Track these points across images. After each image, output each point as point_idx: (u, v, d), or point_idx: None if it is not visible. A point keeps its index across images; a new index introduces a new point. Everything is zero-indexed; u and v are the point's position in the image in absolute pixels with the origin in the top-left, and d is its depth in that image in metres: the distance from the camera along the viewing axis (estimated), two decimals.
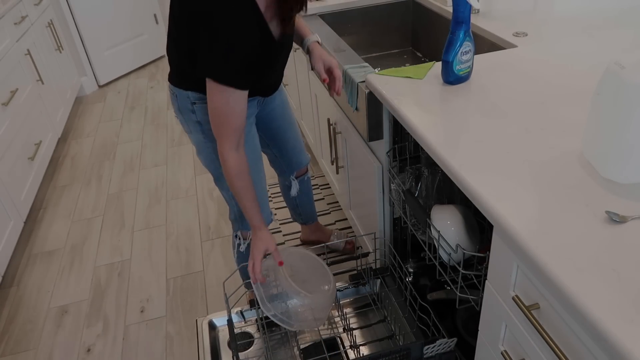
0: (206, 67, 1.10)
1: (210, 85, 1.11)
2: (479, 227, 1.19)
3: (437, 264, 1.14)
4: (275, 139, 1.59)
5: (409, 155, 1.34)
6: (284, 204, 2.36)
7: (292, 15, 1.13)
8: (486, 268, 0.94)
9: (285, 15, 1.12)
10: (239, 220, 1.51)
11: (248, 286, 1.49)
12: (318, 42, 1.37)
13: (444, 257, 1.09)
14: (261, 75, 1.23)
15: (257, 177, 1.41)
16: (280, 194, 2.43)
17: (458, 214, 1.12)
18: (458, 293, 1.07)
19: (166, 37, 1.29)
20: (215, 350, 1.37)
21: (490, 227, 1.30)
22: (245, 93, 1.14)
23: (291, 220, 2.26)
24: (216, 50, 1.06)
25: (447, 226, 1.10)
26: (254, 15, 1.08)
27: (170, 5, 1.16)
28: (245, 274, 1.61)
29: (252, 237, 1.30)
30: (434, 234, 1.10)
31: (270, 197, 2.42)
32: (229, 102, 1.12)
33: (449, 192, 1.32)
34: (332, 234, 2.06)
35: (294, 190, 1.77)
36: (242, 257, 1.57)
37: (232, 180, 1.23)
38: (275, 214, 2.31)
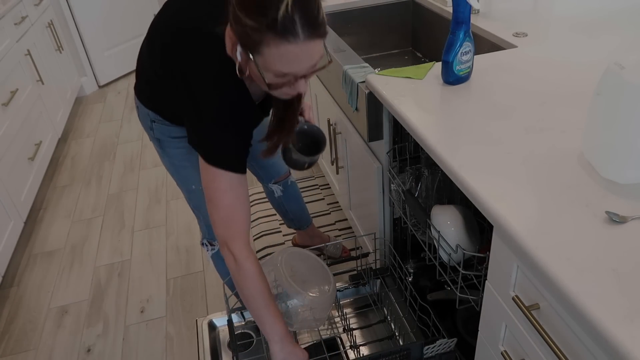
0: (202, 145, 1.03)
1: (206, 174, 1.03)
2: (479, 227, 1.19)
3: (437, 264, 1.14)
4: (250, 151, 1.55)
5: (409, 155, 1.34)
6: None
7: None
8: (486, 268, 0.94)
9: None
10: (205, 230, 1.48)
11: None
12: None
13: (444, 257, 1.09)
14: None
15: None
16: None
17: (458, 214, 1.12)
18: (458, 293, 1.08)
19: None
20: (215, 351, 1.37)
21: (490, 227, 1.30)
22: (245, 177, 1.05)
23: None
24: (218, 138, 1.00)
25: (447, 226, 1.10)
26: (239, 87, 1.02)
27: (151, 25, 1.11)
28: (226, 275, 1.59)
29: (280, 348, 1.10)
30: (434, 234, 1.10)
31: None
32: (232, 187, 1.02)
33: (449, 192, 1.32)
34: (330, 240, 2.02)
35: (277, 192, 1.74)
36: (220, 262, 1.54)
37: (255, 287, 1.07)
38: (275, 214, 2.31)
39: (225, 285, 1.42)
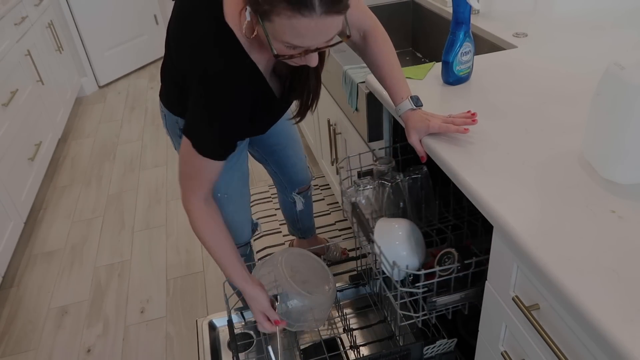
0: (189, 129, 0.99)
1: (187, 145, 1.00)
2: (428, 241, 1.16)
3: (381, 279, 1.10)
4: (273, 156, 1.51)
5: (400, 157, 1.33)
6: None
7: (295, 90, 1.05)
8: (429, 285, 0.96)
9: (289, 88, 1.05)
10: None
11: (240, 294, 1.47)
12: (413, 108, 1.05)
13: (387, 272, 1.05)
14: (259, 129, 1.17)
15: (241, 202, 1.37)
16: None
17: (403, 228, 1.08)
18: (398, 310, 1.04)
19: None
20: (216, 351, 1.37)
21: (441, 240, 1.29)
22: (222, 163, 1.04)
23: None
24: (203, 120, 0.96)
25: (389, 241, 1.06)
26: (252, 81, 0.98)
27: (167, 30, 1.06)
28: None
29: (244, 297, 1.18)
30: (376, 249, 1.06)
31: (269, 197, 2.42)
32: (206, 168, 1.02)
33: (401, 205, 1.28)
34: (326, 242, 2.00)
35: (299, 205, 1.68)
36: None
37: (200, 234, 1.10)
38: (275, 214, 2.31)
39: (225, 285, 1.42)
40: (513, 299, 0.80)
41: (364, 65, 1.44)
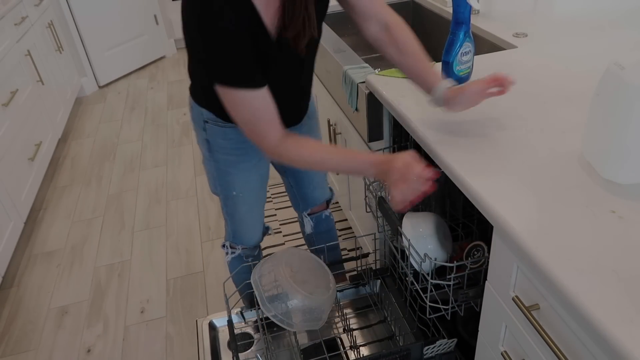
0: (209, 69, 0.96)
1: (224, 93, 0.97)
2: (454, 235, 1.18)
3: (409, 272, 1.12)
4: (291, 167, 1.44)
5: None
6: (286, 204, 2.36)
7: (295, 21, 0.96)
8: (459, 277, 0.95)
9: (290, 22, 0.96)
10: (231, 234, 1.44)
11: (244, 288, 1.46)
12: (453, 85, 1.03)
13: (415, 266, 1.07)
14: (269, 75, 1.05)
15: (256, 204, 1.38)
16: (283, 194, 2.43)
17: (430, 222, 1.10)
18: (428, 302, 1.06)
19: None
20: (216, 351, 1.37)
21: (465, 234, 1.30)
22: (264, 91, 0.97)
23: (292, 220, 2.26)
24: (209, 49, 0.92)
25: (417, 234, 1.08)
26: (241, 6, 0.92)
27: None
28: (239, 280, 1.56)
29: (383, 175, 1.00)
30: (405, 242, 1.08)
31: (269, 197, 2.42)
32: (254, 102, 0.96)
33: (426, 199, 1.29)
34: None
35: (307, 228, 1.57)
36: (234, 264, 1.51)
37: (303, 163, 1.03)
38: (275, 214, 2.31)
39: (225, 285, 1.42)
40: (513, 299, 0.80)
41: (365, 65, 1.44)
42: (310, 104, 1.31)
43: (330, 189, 1.57)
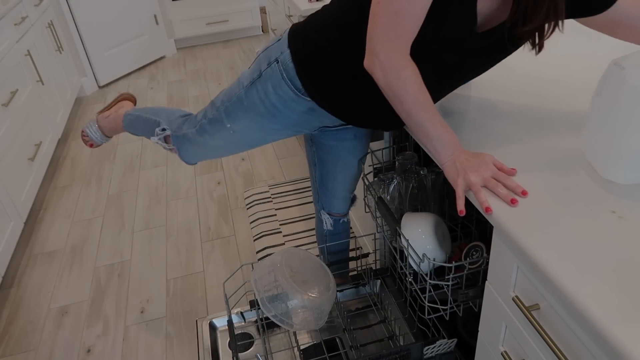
0: None
1: None
2: (452, 235, 1.18)
3: (408, 272, 1.13)
4: (323, 165, 1.37)
5: (382, 164, 1.33)
6: (286, 205, 2.36)
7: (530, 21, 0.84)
8: (458, 277, 0.94)
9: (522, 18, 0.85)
10: (180, 139, 1.32)
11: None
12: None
13: (414, 266, 1.08)
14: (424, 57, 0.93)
15: (234, 144, 1.24)
16: (284, 194, 2.43)
17: (428, 222, 1.10)
18: (426, 303, 1.06)
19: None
20: (216, 351, 1.37)
21: (464, 234, 1.30)
22: (424, 10, 0.85)
23: (292, 220, 2.26)
24: None
25: (416, 235, 1.08)
26: None
27: None
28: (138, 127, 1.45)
29: (454, 161, 0.91)
30: (403, 242, 1.08)
31: (269, 198, 2.42)
32: (408, 7, 0.84)
33: (424, 199, 1.30)
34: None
35: (327, 224, 1.50)
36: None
37: (399, 93, 0.91)
38: (275, 214, 2.31)
39: (225, 286, 1.42)
40: (513, 299, 0.80)
41: None
42: None
43: (354, 197, 1.49)
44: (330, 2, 1.05)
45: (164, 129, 1.35)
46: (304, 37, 1.05)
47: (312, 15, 1.08)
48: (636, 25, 0.95)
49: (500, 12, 0.91)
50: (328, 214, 1.48)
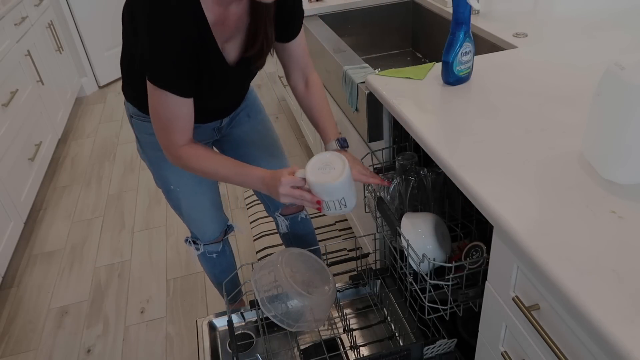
0: (142, 64, 0.98)
1: (150, 91, 1.00)
2: (453, 235, 1.18)
3: (408, 272, 1.12)
4: (242, 158, 1.39)
5: (383, 163, 1.33)
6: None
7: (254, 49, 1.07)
8: (458, 277, 0.94)
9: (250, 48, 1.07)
10: (189, 229, 1.46)
11: (226, 285, 1.43)
12: (338, 149, 1.17)
13: (414, 266, 1.08)
14: (206, 97, 1.10)
15: (195, 199, 1.35)
16: None
17: (429, 222, 1.10)
18: (427, 303, 1.06)
19: None
20: (216, 351, 1.37)
21: (464, 234, 1.30)
22: (189, 101, 1.01)
23: None
24: (150, 48, 0.94)
25: (415, 235, 1.08)
26: (193, 19, 0.96)
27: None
28: (212, 277, 1.58)
29: (266, 188, 1.09)
30: (403, 242, 1.08)
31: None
32: (174, 107, 1.00)
33: (424, 199, 1.29)
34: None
35: (282, 227, 1.53)
36: (205, 262, 1.52)
37: (199, 170, 1.08)
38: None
39: (224, 286, 1.42)
40: (513, 299, 0.80)
41: (365, 65, 1.45)
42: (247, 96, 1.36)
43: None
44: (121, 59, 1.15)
45: (187, 240, 1.51)
46: (128, 82, 1.20)
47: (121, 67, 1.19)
48: (295, 61, 1.23)
49: (236, 47, 1.09)
50: (281, 214, 1.51)
